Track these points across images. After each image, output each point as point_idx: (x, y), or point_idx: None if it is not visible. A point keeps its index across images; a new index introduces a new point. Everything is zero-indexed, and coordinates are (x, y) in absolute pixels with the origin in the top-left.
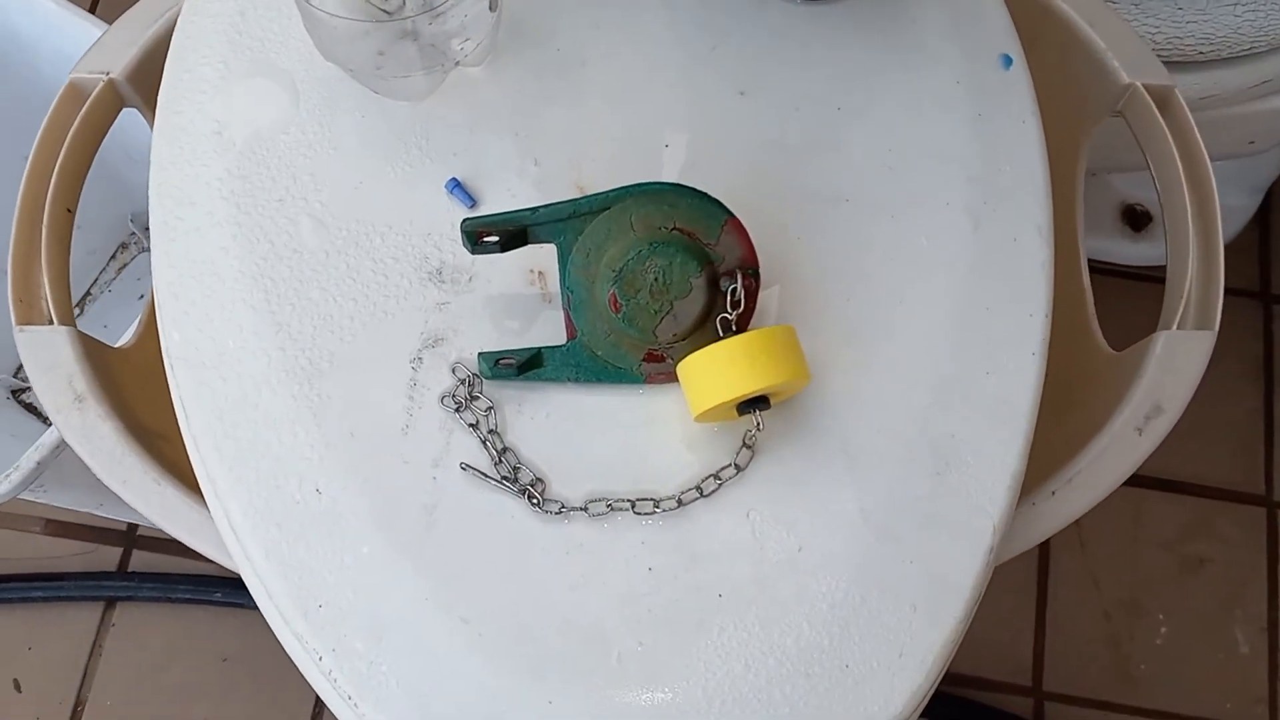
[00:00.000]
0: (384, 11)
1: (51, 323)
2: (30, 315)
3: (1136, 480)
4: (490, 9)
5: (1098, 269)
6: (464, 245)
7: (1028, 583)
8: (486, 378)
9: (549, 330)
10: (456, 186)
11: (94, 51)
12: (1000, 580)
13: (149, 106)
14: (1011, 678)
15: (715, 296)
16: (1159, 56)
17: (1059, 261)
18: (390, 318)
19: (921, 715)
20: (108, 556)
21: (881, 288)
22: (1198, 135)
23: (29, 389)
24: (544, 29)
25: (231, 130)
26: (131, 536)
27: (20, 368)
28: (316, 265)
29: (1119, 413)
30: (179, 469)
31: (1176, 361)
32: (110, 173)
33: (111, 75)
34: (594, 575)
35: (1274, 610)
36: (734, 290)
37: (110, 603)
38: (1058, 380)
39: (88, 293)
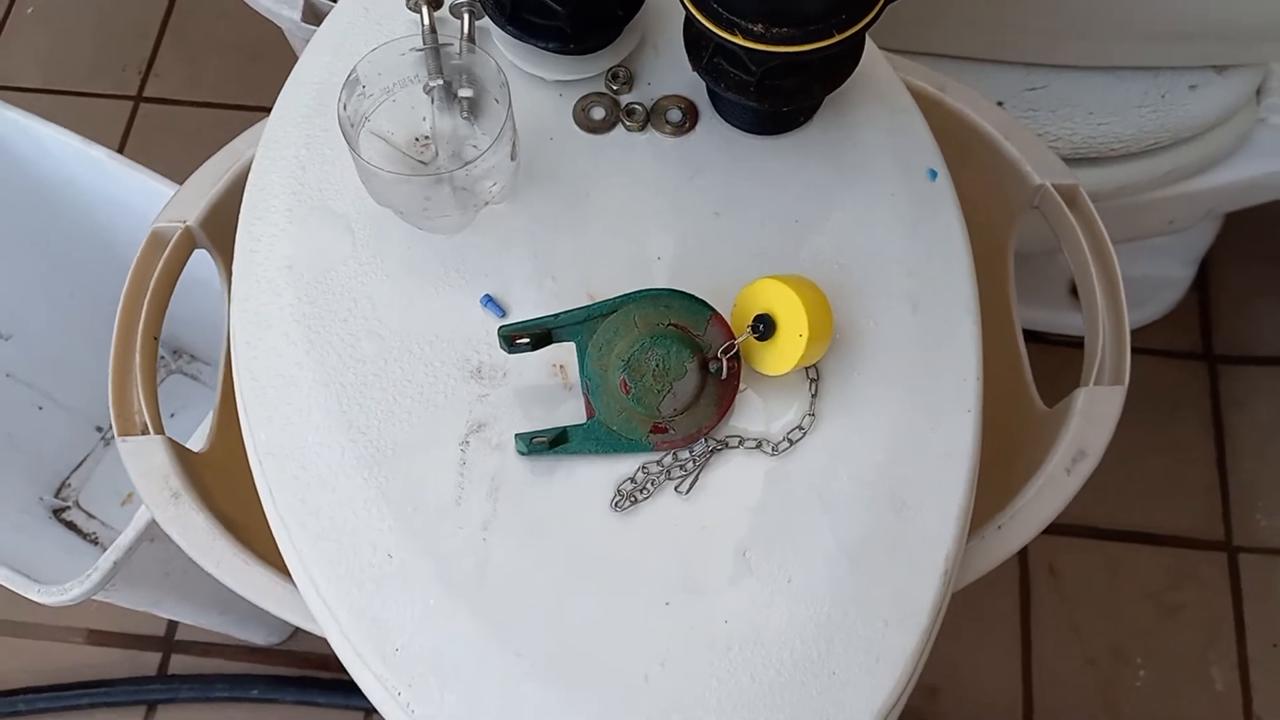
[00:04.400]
0: (420, 163)
1: (147, 432)
2: (128, 428)
3: (1110, 534)
4: (511, 158)
5: (1051, 340)
6: (501, 347)
7: (1011, 637)
8: (523, 454)
9: (571, 412)
10: (489, 301)
11: (172, 204)
12: (986, 634)
13: (216, 248)
14: None
15: (705, 376)
16: (1078, 154)
17: (998, 335)
18: (440, 410)
19: None
20: (147, 662)
21: (841, 364)
22: (1100, 223)
23: (70, 508)
24: (554, 169)
25: (299, 265)
26: (170, 641)
27: (61, 487)
28: (377, 370)
29: (1050, 458)
30: (256, 552)
31: (1095, 412)
32: None
33: (188, 223)
34: (622, 611)
35: (1243, 647)
36: (719, 369)
37: (152, 706)
38: (1001, 434)
39: None
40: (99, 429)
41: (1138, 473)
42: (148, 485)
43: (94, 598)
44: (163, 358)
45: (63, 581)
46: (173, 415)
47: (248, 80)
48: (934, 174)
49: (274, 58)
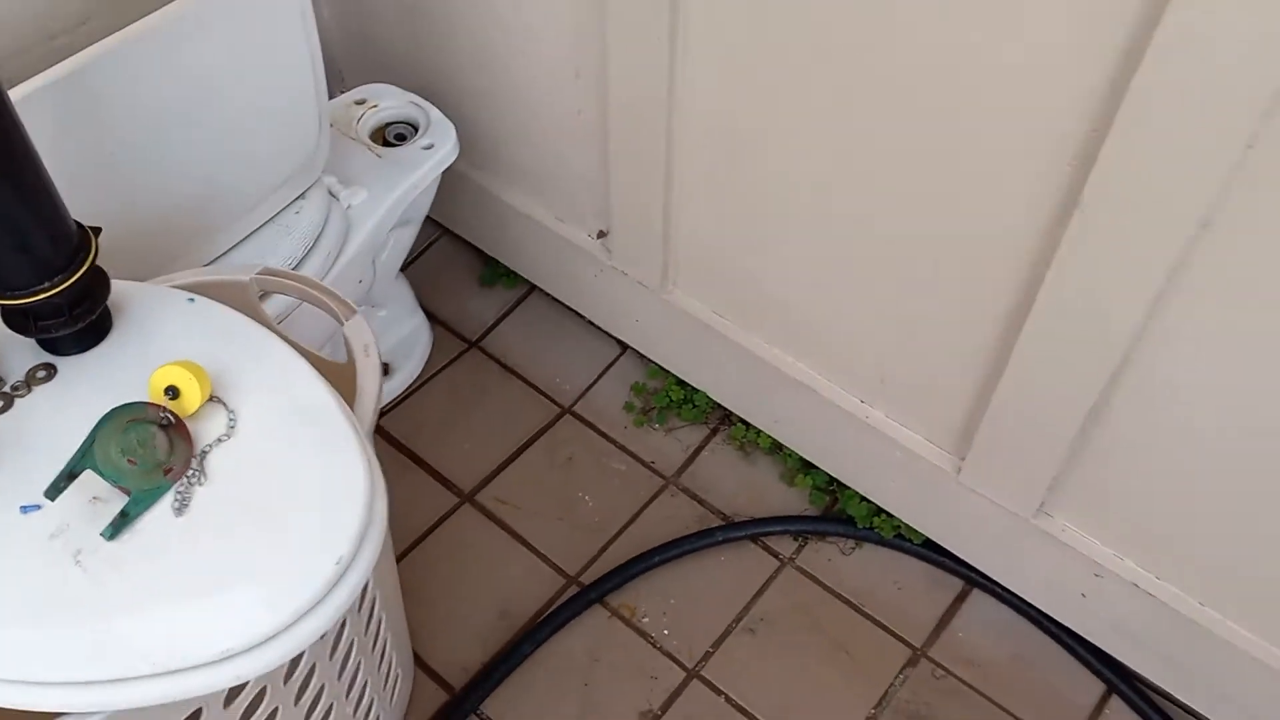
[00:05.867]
0: None
1: None
2: None
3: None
4: None
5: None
6: (53, 499)
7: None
8: (111, 538)
9: (118, 505)
10: (26, 508)
11: None
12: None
13: None
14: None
15: (167, 430)
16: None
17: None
18: (52, 563)
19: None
20: None
21: (230, 389)
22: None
23: None
24: (11, 446)
25: None
26: None
27: None
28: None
29: (355, 357)
30: None
31: (355, 331)
32: None
33: None
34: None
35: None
36: (168, 422)
37: None
38: (338, 383)
39: None
40: None
41: (485, 395)
42: None
43: None
44: None
45: None
46: None
47: None
48: (193, 299)
49: None
